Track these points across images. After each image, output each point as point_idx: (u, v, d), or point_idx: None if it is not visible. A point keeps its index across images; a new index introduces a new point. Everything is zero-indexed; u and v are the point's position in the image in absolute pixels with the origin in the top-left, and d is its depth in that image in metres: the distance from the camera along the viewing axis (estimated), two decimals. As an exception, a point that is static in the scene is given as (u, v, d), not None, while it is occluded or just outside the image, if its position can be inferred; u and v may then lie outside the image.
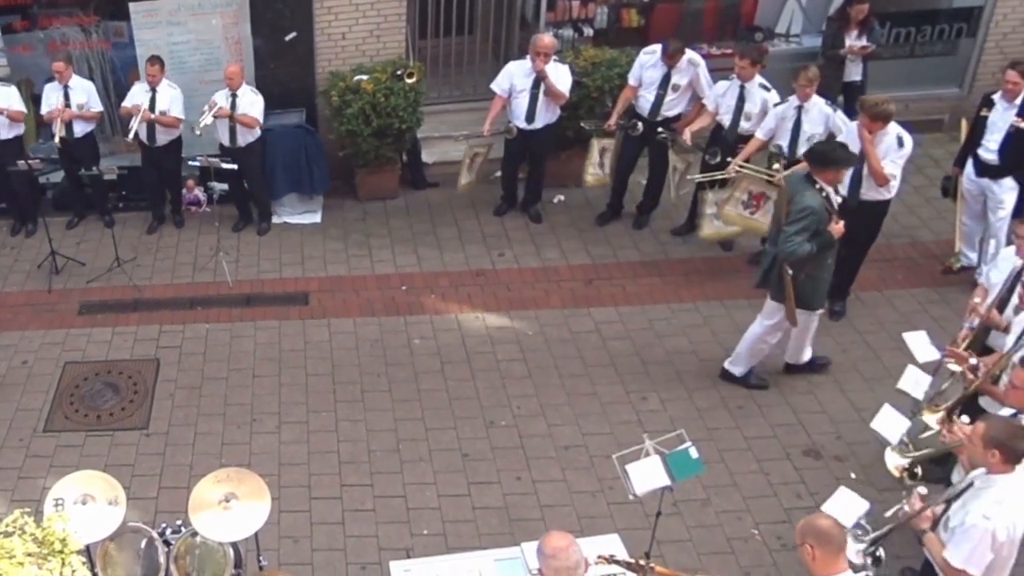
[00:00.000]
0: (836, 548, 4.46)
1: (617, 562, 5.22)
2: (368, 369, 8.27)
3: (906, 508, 5.20)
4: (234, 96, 9.41)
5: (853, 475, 6.88)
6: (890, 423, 5.83)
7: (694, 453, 5.74)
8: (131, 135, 9.42)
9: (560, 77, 9.24)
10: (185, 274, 9.57)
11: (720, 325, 8.50)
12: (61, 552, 3.85)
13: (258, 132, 9.63)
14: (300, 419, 7.76)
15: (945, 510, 5.10)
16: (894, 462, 5.32)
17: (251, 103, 9.46)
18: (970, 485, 5.01)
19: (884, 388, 7.14)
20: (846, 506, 5.46)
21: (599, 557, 5.22)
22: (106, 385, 8.17)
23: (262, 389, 8.09)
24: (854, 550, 5.02)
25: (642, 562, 5.22)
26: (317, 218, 10.39)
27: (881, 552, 5.07)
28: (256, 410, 7.87)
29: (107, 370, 8.34)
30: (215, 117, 9.35)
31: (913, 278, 8.82)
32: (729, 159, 8.57)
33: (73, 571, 3.79)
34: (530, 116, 9.42)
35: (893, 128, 7.59)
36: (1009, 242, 7.03)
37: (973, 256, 8.69)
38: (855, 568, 4.83)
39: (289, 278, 9.51)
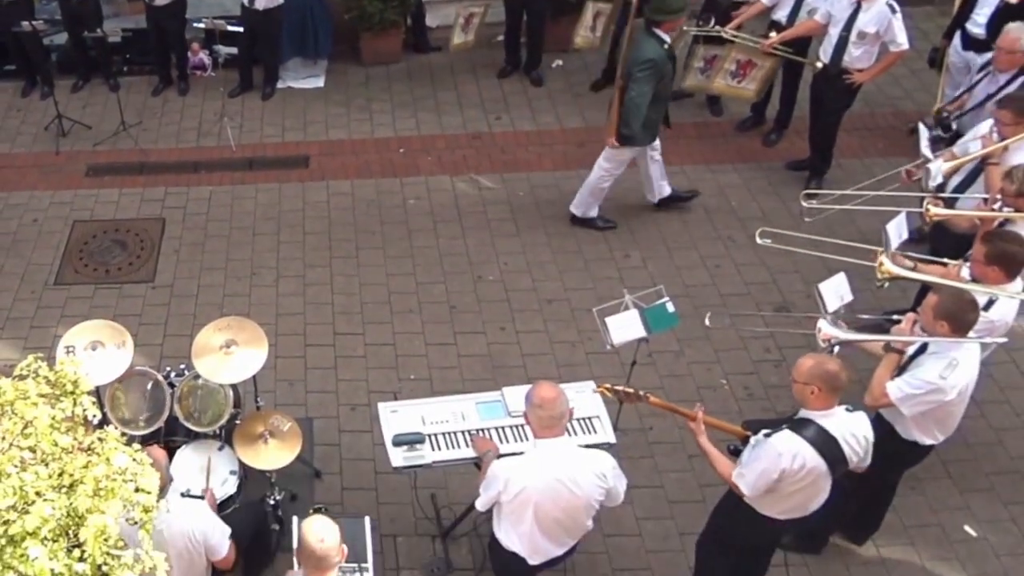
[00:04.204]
0: (839, 389, 4.68)
1: (616, 391, 5.40)
2: (363, 228, 8.51)
3: (902, 325, 5.36)
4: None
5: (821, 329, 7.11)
6: (836, 292, 5.78)
7: (671, 307, 5.97)
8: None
9: None
10: (190, 138, 9.72)
11: (705, 188, 8.63)
12: (73, 393, 3.82)
13: (280, -1, 9.59)
14: (297, 273, 8.05)
15: (907, 363, 5.28)
16: (826, 331, 5.22)
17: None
18: (926, 348, 5.19)
19: (856, 252, 7.25)
20: (836, 289, 5.69)
21: (599, 386, 5.48)
22: (114, 242, 8.44)
23: (262, 246, 8.35)
24: (826, 324, 5.23)
25: (641, 392, 5.38)
26: (320, 82, 10.44)
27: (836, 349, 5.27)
28: (256, 265, 8.15)
29: (115, 228, 8.60)
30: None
31: (894, 147, 8.83)
32: (718, 27, 8.52)
33: (84, 410, 3.81)
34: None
35: None
36: None
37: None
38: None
39: (291, 142, 9.65)
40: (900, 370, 5.25)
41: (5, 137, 9.77)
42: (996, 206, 6.05)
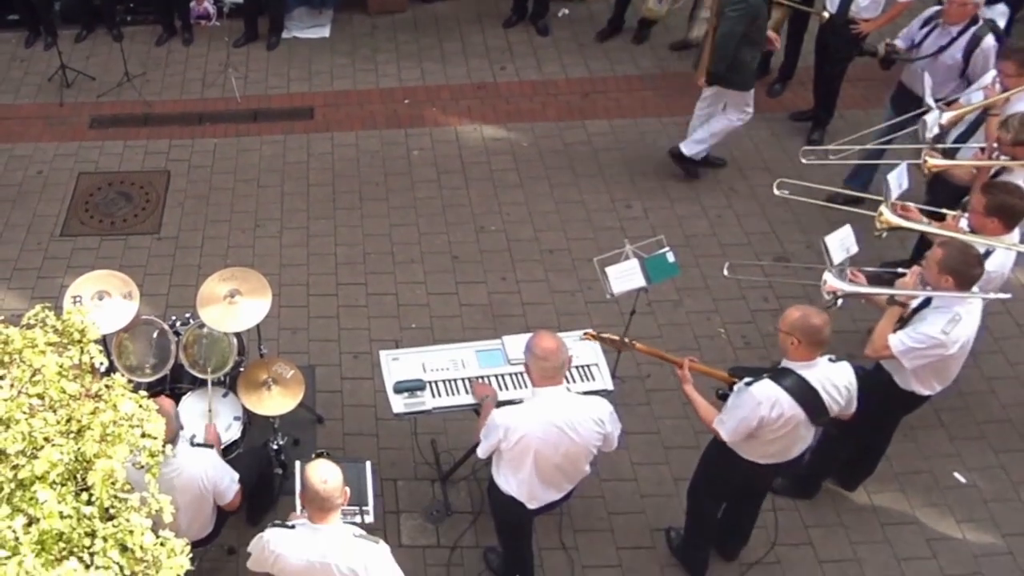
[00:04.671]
0: (820, 344, 4.77)
1: (602, 338, 5.53)
2: (367, 179, 8.55)
3: (906, 278, 5.42)
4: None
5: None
6: (842, 244, 5.78)
7: (671, 257, 6.00)
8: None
9: None
10: (194, 89, 9.72)
11: None
12: (80, 342, 3.86)
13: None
14: (301, 225, 8.11)
15: (910, 315, 5.34)
16: (831, 284, 5.24)
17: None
18: (929, 301, 5.25)
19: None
20: (842, 242, 5.71)
21: (586, 333, 5.57)
22: (119, 194, 8.50)
23: (266, 198, 8.41)
24: (831, 276, 5.28)
25: (626, 339, 5.51)
26: (326, 32, 10.40)
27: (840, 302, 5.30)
28: (260, 217, 8.22)
29: (120, 180, 8.65)
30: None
31: None
32: None
33: (91, 358, 3.86)
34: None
35: None
36: None
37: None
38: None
39: (296, 93, 9.66)
40: (903, 323, 5.30)
41: (9, 88, 9.77)
42: (994, 155, 6.08)
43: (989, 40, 6.97)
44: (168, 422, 4.74)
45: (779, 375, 4.83)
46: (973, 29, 7.03)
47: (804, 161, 6.71)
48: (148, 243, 8.02)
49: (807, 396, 4.79)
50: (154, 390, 5.84)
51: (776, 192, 6.42)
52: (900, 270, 5.65)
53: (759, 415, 4.79)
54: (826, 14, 7.95)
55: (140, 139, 9.11)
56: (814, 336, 4.73)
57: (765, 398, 4.77)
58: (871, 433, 5.69)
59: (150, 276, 7.63)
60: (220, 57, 9.94)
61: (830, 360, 4.87)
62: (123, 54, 9.69)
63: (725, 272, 6.25)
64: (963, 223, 5.77)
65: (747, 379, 4.89)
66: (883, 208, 5.67)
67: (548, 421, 4.81)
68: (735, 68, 7.54)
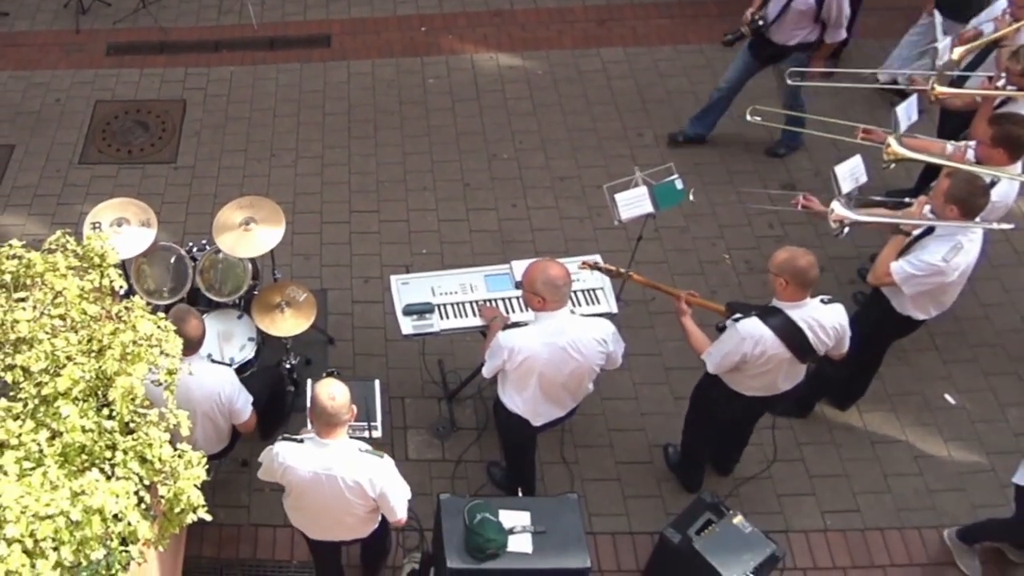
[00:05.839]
0: (808, 284, 4.90)
1: (599, 268, 5.66)
2: (383, 108, 8.62)
3: (912, 208, 5.55)
4: None
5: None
6: (851, 174, 5.88)
7: (679, 184, 6.12)
8: None
9: None
10: (210, 16, 9.71)
11: (720, 68, 8.48)
12: (100, 266, 4.06)
13: None
14: (316, 154, 8.22)
15: (911, 243, 5.46)
16: (838, 212, 5.33)
17: None
18: (932, 229, 5.36)
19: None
20: (852, 172, 5.83)
21: (583, 263, 5.70)
22: (136, 123, 8.62)
23: (282, 127, 8.50)
24: (839, 206, 5.39)
25: (622, 270, 5.64)
26: (345, -43, 10.37)
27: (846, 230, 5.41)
28: (275, 146, 8.32)
29: (136, 109, 8.75)
30: None
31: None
32: None
33: (111, 281, 4.00)
34: None
35: None
36: None
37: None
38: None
39: (313, 20, 9.64)
40: (905, 249, 5.43)
41: (25, 14, 9.78)
42: (1000, 83, 6.10)
43: None
44: (198, 328, 4.94)
45: (766, 313, 4.97)
46: None
47: (789, 82, 6.81)
48: (165, 172, 8.14)
49: (792, 335, 4.93)
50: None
51: (749, 118, 6.48)
52: (906, 199, 5.75)
53: (742, 351, 4.96)
54: None
55: (156, 67, 9.16)
56: (801, 277, 4.85)
57: (749, 335, 4.93)
58: (865, 355, 5.82)
59: (167, 204, 7.78)
60: (237, -19, 9.93)
61: (822, 301, 4.99)
62: (139, -22, 9.65)
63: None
64: (970, 154, 5.84)
65: (737, 315, 5.03)
66: (891, 139, 5.72)
67: (552, 343, 4.98)
68: None
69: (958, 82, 6.50)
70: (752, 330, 4.92)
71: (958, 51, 6.34)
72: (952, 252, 5.21)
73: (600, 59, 8.94)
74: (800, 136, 7.72)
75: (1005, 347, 6.63)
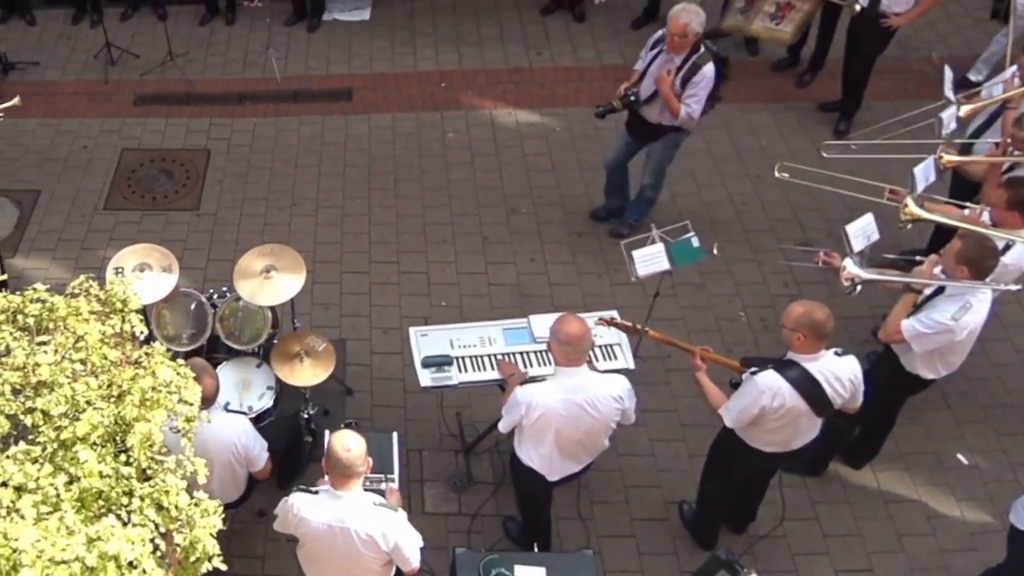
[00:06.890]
0: (824, 337, 4.92)
1: (616, 324, 5.68)
2: (402, 161, 8.72)
3: (923, 267, 5.59)
4: None
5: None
6: (863, 232, 5.88)
7: (696, 242, 6.18)
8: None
9: None
10: (235, 70, 9.89)
11: (736, 127, 8.75)
12: (122, 311, 4.05)
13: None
14: (336, 204, 8.30)
15: (923, 302, 5.50)
16: (850, 270, 5.30)
17: None
18: (943, 289, 5.40)
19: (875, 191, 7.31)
20: (863, 230, 5.85)
21: (599, 319, 5.71)
22: (161, 171, 8.73)
23: (303, 178, 8.60)
24: (851, 263, 5.36)
25: (638, 326, 5.65)
26: (366, 15, 10.53)
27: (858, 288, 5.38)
28: (296, 196, 8.42)
29: (161, 157, 8.87)
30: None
31: (925, 90, 8.67)
32: None
33: (132, 327, 4.01)
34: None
35: None
36: None
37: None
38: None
39: (335, 75, 9.80)
40: (916, 309, 5.45)
41: (56, 64, 9.97)
42: (1008, 150, 6.15)
43: (709, 68, 6.83)
44: (212, 386, 4.98)
45: (783, 366, 4.98)
46: (694, 58, 6.86)
47: (824, 155, 6.77)
48: (187, 219, 8.24)
49: (809, 387, 4.94)
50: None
51: (776, 175, 6.50)
52: (917, 258, 5.77)
53: (760, 404, 4.96)
54: (858, 7, 7.97)
55: (182, 117, 9.30)
56: (819, 330, 4.87)
57: (767, 387, 4.93)
58: (878, 414, 5.85)
59: (189, 250, 7.86)
60: (262, 38, 10.14)
61: (836, 354, 5.01)
62: (167, 33, 9.88)
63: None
64: (985, 216, 5.87)
65: (753, 369, 5.04)
66: (908, 200, 5.74)
67: (569, 399, 5.00)
68: None
69: (966, 149, 6.60)
70: (771, 382, 4.93)
71: (965, 109, 6.40)
72: (961, 311, 5.25)
73: (618, 117, 8.99)
74: (646, 214, 7.67)
75: (1016, 407, 6.64)
